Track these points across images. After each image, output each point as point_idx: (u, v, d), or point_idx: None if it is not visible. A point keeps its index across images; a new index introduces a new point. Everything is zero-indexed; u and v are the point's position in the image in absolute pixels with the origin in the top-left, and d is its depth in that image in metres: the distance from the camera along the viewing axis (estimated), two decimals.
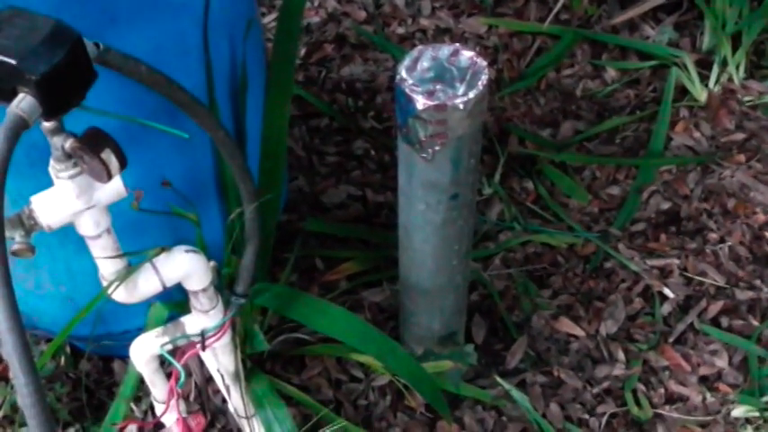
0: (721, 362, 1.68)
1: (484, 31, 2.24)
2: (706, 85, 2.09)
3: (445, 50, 1.21)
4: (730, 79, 2.09)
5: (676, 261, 1.81)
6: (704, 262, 1.81)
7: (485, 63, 1.19)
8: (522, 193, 1.94)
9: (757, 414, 1.59)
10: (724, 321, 1.73)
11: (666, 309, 1.75)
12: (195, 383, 1.60)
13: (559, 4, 2.17)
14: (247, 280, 1.27)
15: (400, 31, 2.24)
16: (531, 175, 1.96)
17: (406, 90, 1.16)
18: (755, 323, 1.72)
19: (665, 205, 1.91)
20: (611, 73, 2.15)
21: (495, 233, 1.87)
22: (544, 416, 1.62)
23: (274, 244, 1.68)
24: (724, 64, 2.09)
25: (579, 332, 1.73)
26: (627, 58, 2.18)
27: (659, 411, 1.62)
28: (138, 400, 1.59)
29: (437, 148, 1.21)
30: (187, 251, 1.16)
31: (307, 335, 1.59)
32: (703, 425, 1.61)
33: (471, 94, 1.15)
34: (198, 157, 1.28)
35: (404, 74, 1.18)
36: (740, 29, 2.07)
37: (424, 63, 1.20)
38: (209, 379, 1.56)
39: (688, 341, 1.71)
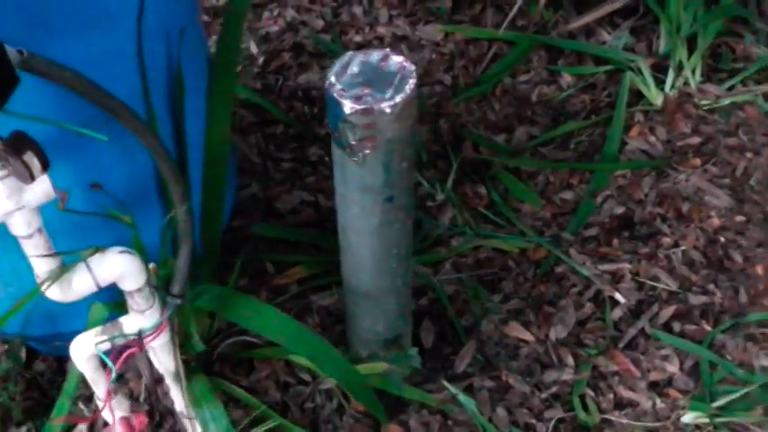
0: (672, 367, 1.67)
1: (441, 38, 2.24)
2: (662, 90, 2.09)
3: (375, 56, 1.21)
4: (686, 83, 2.10)
5: (628, 266, 1.81)
6: (657, 266, 1.81)
7: (413, 68, 1.19)
8: (476, 198, 1.94)
9: (707, 420, 1.58)
10: (676, 326, 1.72)
11: (617, 314, 1.74)
12: (144, 384, 1.60)
13: (515, 10, 2.17)
14: (182, 281, 1.26)
15: (357, 39, 2.24)
16: (484, 180, 1.96)
17: (335, 95, 1.15)
18: (708, 328, 1.71)
19: (619, 210, 1.91)
20: (566, 78, 2.15)
21: (446, 238, 1.86)
22: (490, 420, 1.61)
23: (224, 248, 1.68)
24: (680, 68, 2.09)
25: (529, 337, 1.72)
26: (583, 63, 2.19)
27: (608, 417, 1.61)
28: (88, 399, 1.58)
29: (367, 151, 1.20)
30: (121, 252, 1.16)
31: (255, 338, 1.59)
32: (652, 431, 1.60)
33: (398, 98, 1.15)
34: (138, 159, 1.27)
35: (333, 79, 1.17)
36: (695, 32, 2.08)
37: (354, 68, 1.19)
38: (159, 380, 1.56)
39: (639, 346, 1.71)
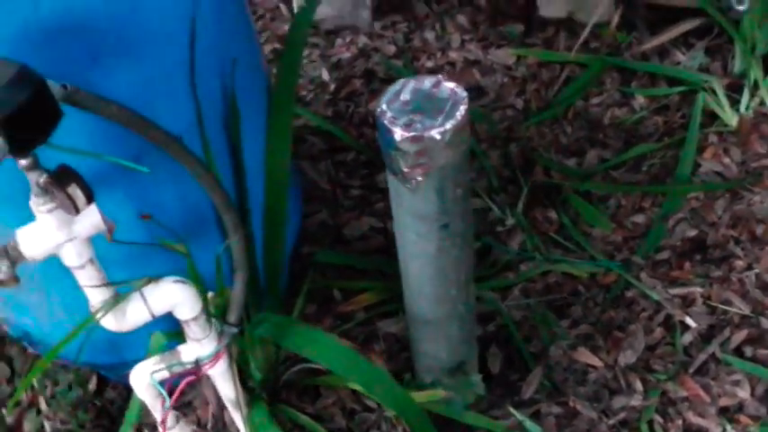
0: (743, 393, 1.63)
1: (512, 62, 2.25)
2: (737, 110, 2.05)
3: (427, 82, 1.23)
4: (762, 103, 2.05)
5: (700, 290, 1.77)
6: (729, 290, 1.77)
7: (464, 93, 1.21)
8: (545, 222, 1.93)
9: None
10: (748, 351, 1.69)
11: (688, 338, 1.71)
12: (211, 412, 1.64)
13: (587, 32, 2.17)
14: (238, 309, 1.30)
15: (429, 64, 2.27)
16: (555, 205, 1.95)
17: (386, 122, 1.18)
18: None
19: (692, 233, 1.88)
20: (639, 100, 2.13)
21: (516, 263, 1.86)
22: None
23: (291, 276, 1.72)
24: (755, 87, 2.05)
25: (597, 362, 1.71)
26: (656, 85, 2.16)
27: None
28: (154, 427, 1.63)
29: (419, 178, 1.22)
30: (175, 281, 1.20)
31: (320, 365, 1.62)
32: None
33: (449, 125, 1.17)
34: (192, 187, 1.32)
35: (384, 106, 1.20)
36: None
37: (406, 95, 1.22)
38: (225, 407, 1.60)
39: (709, 371, 1.67)
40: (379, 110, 1.20)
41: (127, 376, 1.49)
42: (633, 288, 1.80)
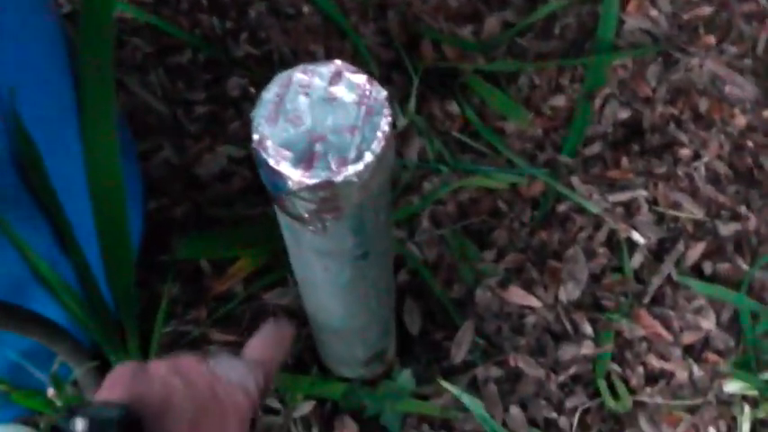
0: (707, 323, 1.38)
1: None
2: None
3: (319, 77, 0.79)
4: None
5: (644, 193, 1.47)
6: (677, 189, 1.48)
7: (383, 92, 0.79)
8: (446, 119, 1.55)
9: (756, 393, 1.32)
10: (707, 267, 1.43)
11: (638, 259, 1.43)
12: None
13: None
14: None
15: None
16: (454, 92, 1.57)
17: (269, 160, 0.75)
18: (744, 266, 1.42)
19: (624, 114, 1.54)
20: None
21: (418, 180, 1.50)
22: (504, 424, 1.33)
23: (147, 246, 1.32)
24: None
25: (534, 302, 1.41)
26: None
27: (639, 399, 1.34)
28: None
29: (327, 223, 0.82)
30: None
31: None
32: (692, 409, 1.34)
33: (368, 156, 0.75)
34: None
35: (263, 129, 0.76)
36: None
37: (292, 103, 0.78)
38: None
39: (666, 299, 1.41)
40: (255, 136, 0.76)
41: None
42: (566, 199, 1.48)
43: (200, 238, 1.37)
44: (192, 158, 1.47)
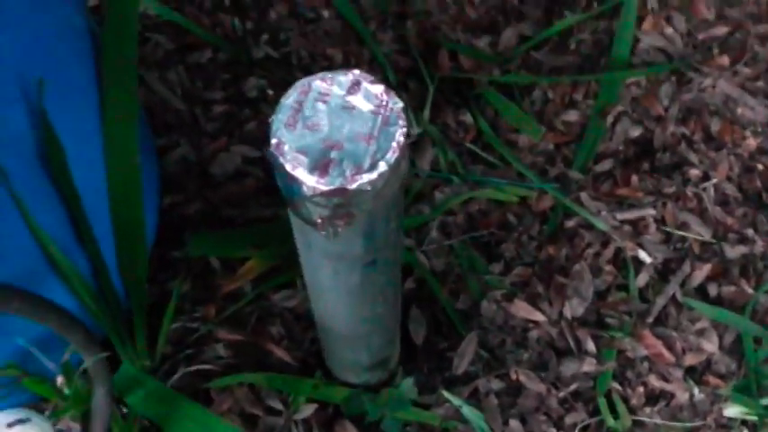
0: (710, 345, 1.39)
1: None
2: None
3: (338, 86, 0.81)
4: None
5: (652, 212, 1.48)
6: (685, 209, 1.48)
7: (400, 103, 0.80)
8: (460, 129, 1.56)
9: (755, 418, 1.32)
10: (712, 289, 1.43)
11: (643, 278, 1.43)
12: None
13: None
14: (103, 424, 0.93)
15: None
16: (468, 103, 1.58)
17: (286, 165, 0.77)
18: (749, 290, 1.42)
19: (635, 132, 1.55)
20: None
21: (429, 190, 1.51)
22: None
23: (160, 242, 1.33)
24: None
25: (539, 317, 1.42)
26: None
27: (639, 418, 1.35)
28: None
29: (339, 229, 0.83)
30: None
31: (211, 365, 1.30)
32: (692, 431, 1.35)
33: (382, 166, 0.76)
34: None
35: (281, 135, 0.78)
36: None
37: (311, 110, 0.80)
38: None
39: (670, 320, 1.41)
40: (273, 140, 0.78)
41: None
42: (574, 215, 1.48)
43: (212, 237, 1.38)
44: (207, 157, 1.48)
